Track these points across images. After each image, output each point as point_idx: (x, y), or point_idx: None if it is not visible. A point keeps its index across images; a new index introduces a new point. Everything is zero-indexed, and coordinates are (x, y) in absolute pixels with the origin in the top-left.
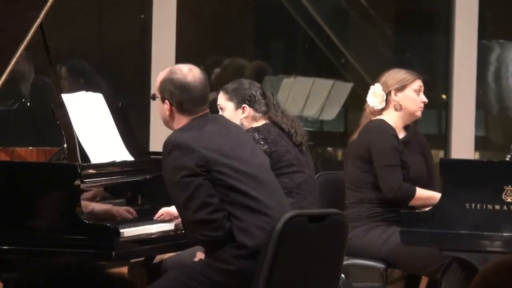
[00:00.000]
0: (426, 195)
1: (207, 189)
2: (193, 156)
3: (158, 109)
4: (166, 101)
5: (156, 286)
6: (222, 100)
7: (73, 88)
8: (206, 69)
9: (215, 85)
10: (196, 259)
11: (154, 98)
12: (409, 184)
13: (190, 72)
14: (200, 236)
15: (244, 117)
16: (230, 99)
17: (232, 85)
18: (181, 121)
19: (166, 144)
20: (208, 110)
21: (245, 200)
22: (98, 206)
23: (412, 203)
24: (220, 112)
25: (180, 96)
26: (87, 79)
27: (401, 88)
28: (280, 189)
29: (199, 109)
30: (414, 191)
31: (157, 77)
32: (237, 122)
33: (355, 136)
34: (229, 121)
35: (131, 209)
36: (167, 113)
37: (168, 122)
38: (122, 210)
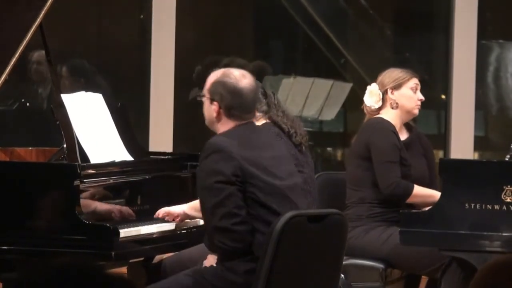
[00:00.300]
0: (425, 193)
1: (237, 199)
2: (232, 164)
3: (205, 109)
4: (215, 103)
5: (162, 285)
6: None
7: (74, 87)
8: (205, 69)
9: None
10: (206, 262)
11: (201, 97)
12: (407, 181)
13: (243, 78)
14: (218, 243)
15: None
16: None
17: None
18: (227, 125)
19: (208, 145)
20: (254, 119)
21: (271, 218)
22: (98, 206)
23: (410, 200)
24: None
25: (231, 101)
26: (88, 79)
27: (397, 87)
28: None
29: (247, 116)
30: (412, 188)
31: (209, 77)
32: None
33: (356, 135)
34: (274, 134)
35: (130, 210)
36: (214, 114)
37: (212, 124)
38: (122, 210)
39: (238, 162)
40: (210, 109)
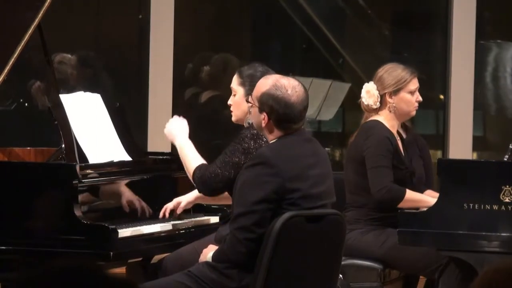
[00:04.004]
0: (416, 198)
1: (261, 218)
2: (276, 181)
3: (253, 114)
4: (265, 113)
5: (158, 283)
6: (235, 83)
7: (80, 78)
8: (196, 65)
9: (204, 82)
10: (204, 254)
11: (249, 102)
12: (399, 186)
13: (294, 92)
14: (226, 245)
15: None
16: (243, 84)
17: (248, 70)
18: (276, 133)
19: (260, 155)
20: (303, 125)
21: None
22: (96, 206)
23: (402, 205)
24: (231, 97)
25: (281, 115)
26: (94, 73)
27: (396, 92)
28: None
29: (296, 126)
30: (403, 194)
31: (258, 84)
32: (245, 107)
33: (353, 137)
34: (319, 144)
35: (130, 207)
36: (263, 124)
37: (260, 129)
38: (124, 208)
39: (282, 180)
40: (258, 117)
